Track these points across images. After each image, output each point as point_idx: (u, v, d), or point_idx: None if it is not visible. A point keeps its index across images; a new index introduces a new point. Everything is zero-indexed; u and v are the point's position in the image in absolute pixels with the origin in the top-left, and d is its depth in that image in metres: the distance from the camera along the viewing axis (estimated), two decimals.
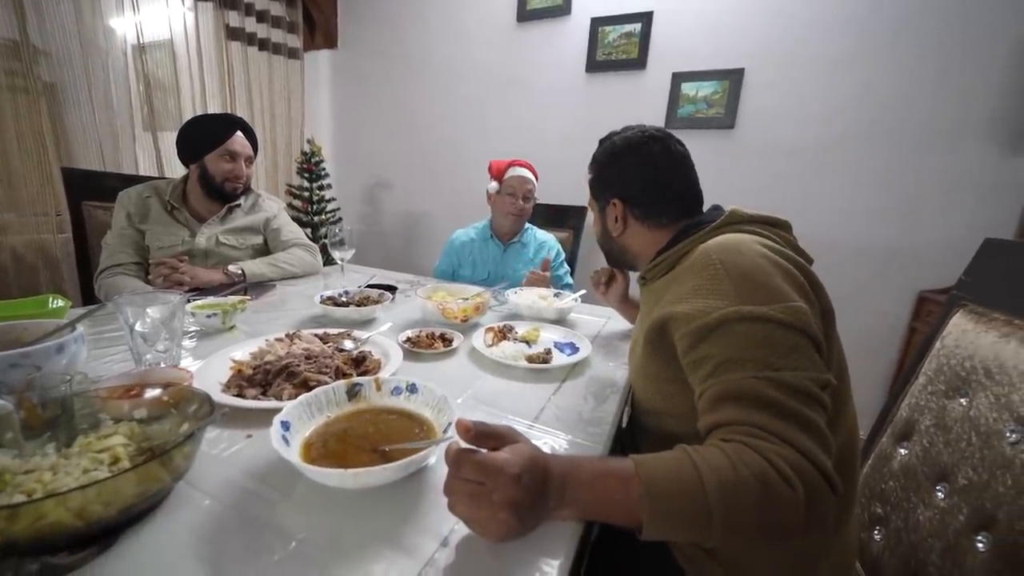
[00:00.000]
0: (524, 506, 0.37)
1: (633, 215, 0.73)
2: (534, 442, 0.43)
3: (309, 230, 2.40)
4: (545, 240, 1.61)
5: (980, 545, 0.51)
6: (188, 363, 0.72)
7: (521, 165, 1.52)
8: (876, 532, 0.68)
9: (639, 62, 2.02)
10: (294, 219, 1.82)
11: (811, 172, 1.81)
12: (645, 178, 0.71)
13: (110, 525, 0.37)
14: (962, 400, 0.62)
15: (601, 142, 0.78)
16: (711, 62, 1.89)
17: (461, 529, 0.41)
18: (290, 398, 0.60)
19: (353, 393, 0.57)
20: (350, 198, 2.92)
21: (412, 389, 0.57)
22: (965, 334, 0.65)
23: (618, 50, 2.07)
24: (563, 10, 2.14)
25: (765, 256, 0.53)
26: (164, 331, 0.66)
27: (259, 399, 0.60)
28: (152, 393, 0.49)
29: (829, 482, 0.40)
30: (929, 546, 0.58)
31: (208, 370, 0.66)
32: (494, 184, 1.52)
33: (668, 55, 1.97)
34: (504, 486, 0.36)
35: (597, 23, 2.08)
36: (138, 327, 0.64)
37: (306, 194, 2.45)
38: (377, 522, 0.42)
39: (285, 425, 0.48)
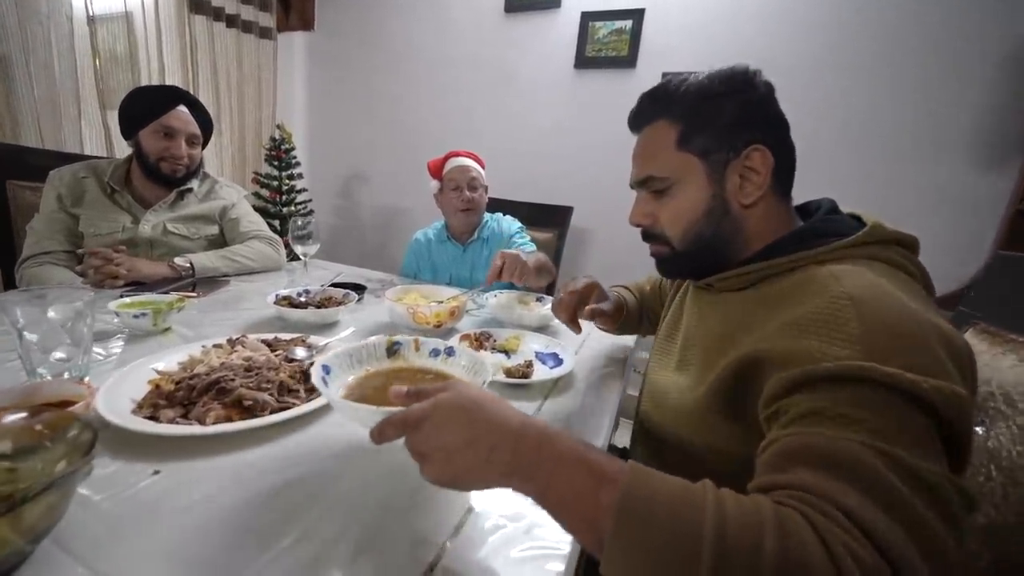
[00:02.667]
0: (443, 449, 0.34)
1: (774, 175, 0.52)
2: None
3: (277, 222, 2.25)
4: (505, 227, 1.44)
5: None
6: (103, 375, 0.61)
7: (458, 154, 1.39)
8: None
9: (629, 60, 1.96)
10: (260, 210, 1.69)
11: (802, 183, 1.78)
12: (782, 119, 0.54)
13: None
14: (978, 429, 0.56)
15: (658, 92, 0.56)
16: (703, 64, 1.82)
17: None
18: (216, 421, 0.50)
19: (392, 351, 0.58)
20: (324, 191, 2.77)
21: (449, 352, 0.58)
22: (979, 357, 0.60)
23: (608, 47, 2.00)
24: (553, 2, 2.06)
25: (916, 307, 0.37)
26: (66, 336, 0.54)
27: (176, 422, 0.49)
28: (13, 417, 0.38)
29: None
30: None
31: (122, 384, 0.55)
32: (435, 183, 1.40)
33: (659, 54, 1.91)
34: (414, 435, 0.36)
35: (588, 17, 2.00)
36: (28, 333, 0.52)
37: (274, 183, 2.29)
38: None
39: (326, 368, 0.51)
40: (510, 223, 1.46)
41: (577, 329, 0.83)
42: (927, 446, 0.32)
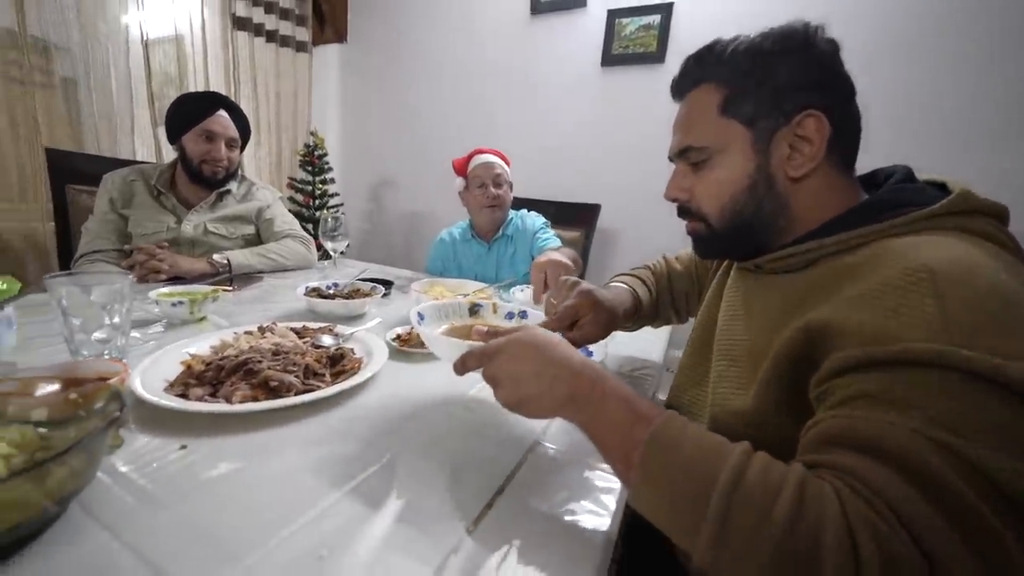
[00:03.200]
0: (514, 377, 0.40)
1: (832, 145, 0.45)
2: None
3: (311, 225, 2.32)
4: (529, 224, 1.41)
5: None
6: (140, 357, 0.62)
7: (483, 152, 1.39)
8: None
9: (658, 56, 1.91)
10: (295, 214, 1.74)
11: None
12: (846, 85, 0.47)
13: None
14: None
15: (708, 53, 0.50)
16: None
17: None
18: (242, 400, 0.50)
19: (473, 311, 0.69)
20: (354, 195, 2.84)
21: (523, 315, 0.68)
22: None
23: (636, 43, 1.96)
24: (579, 2, 2.05)
25: (1015, 283, 0.32)
26: (105, 317, 0.56)
27: (204, 400, 0.50)
28: (48, 388, 0.39)
29: None
30: None
31: (157, 365, 0.56)
32: (460, 180, 1.40)
33: (689, 48, 1.84)
34: (488, 365, 0.42)
35: (614, 15, 1.98)
36: (73, 314, 0.54)
37: (308, 188, 2.37)
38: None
39: (420, 315, 0.62)
40: (534, 219, 1.44)
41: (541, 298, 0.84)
42: (1011, 443, 0.26)
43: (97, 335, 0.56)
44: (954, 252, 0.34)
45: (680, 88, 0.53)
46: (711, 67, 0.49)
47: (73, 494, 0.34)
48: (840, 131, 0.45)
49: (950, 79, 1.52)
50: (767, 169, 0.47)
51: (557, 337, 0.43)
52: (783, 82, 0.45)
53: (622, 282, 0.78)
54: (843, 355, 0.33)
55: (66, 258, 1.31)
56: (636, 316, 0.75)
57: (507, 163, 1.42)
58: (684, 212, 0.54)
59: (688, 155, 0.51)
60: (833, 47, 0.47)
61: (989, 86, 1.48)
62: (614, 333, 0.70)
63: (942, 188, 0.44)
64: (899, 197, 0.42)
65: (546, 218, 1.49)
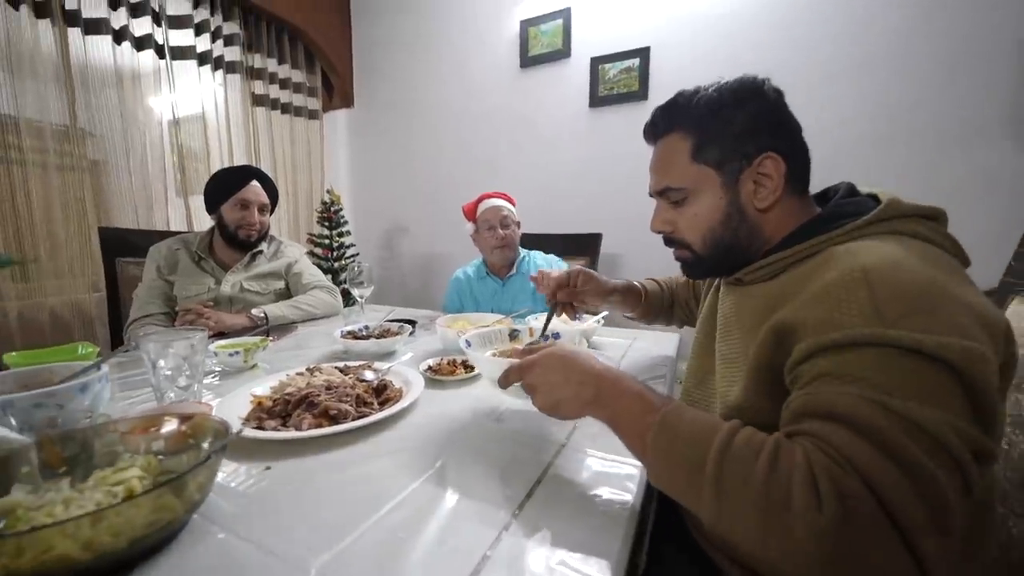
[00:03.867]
0: (548, 384, 0.50)
1: (788, 178, 0.53)
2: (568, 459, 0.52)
3: (330, 276, 2.45)
4: (541, 261, 1.54)
5: None
6: (210, 400, 0.71)
7: (489, 196, 1.51)
8: None
9: (641, 94, 2.08)
10: (316, 265, 1.87)
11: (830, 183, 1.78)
12: (793, 125, 0.55)
13: (120, 558, 0.35)
14: None
15: (672, 107, 0.58)
16: None
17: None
18: (310, 427, 0.58)
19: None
20: (368, 244, 3.00)
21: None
22: None
23: (619, 84, 2.14)
24: (563, 53, 2.25)
25: (936, 274, 0.39)
26: (186, 366, 0.66)
27: (278, 430, 0.58)
28: (170, 426, 0.48)
29: (921, 571, 0.29)
30: None
31: (227, 405, 0.65)
32: (470, 225, 1.53)
33: (669, 84, 2.02)
34: (526, 376, 0.52)
35: (596, 62, 2.17)
36: (160, 363, 0.64)
37: (326, 241, 2.53)
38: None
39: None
40: (546, 257, 1.56)
41: (571, 314, 0.90)
42: (935, 398, 0.33)
43: (180, 381, 0.65)
44: (883, 252, 0.41)
45: (653, 134, 0.62)
46: (678, 117, 0.58)
47: (198, 504, 0.42)
48: (793, 165, 0.54)
49: (914, 89, 1.65)
50: (738, 203, 0.55)
51: (583, 350, 0.53)
52: (741, 130, 0.54)
53: (629, 279, 0.96)
54: (803, 345, 0.40)
55: (116, 324, 1.43)
56: (643, 302, 0.92)
57: (513, 203, 1.54)
58: (670, 242, 0.63)
59: (668, 194, 0.59)
60: (778, 95, 0.56)
61: (954, 91, 1.60)
62: (627, 349, 0.79)
63: (876, 199, 0.52)
64: (842, 210, 0.51)
65: (552, 250, 1.61)
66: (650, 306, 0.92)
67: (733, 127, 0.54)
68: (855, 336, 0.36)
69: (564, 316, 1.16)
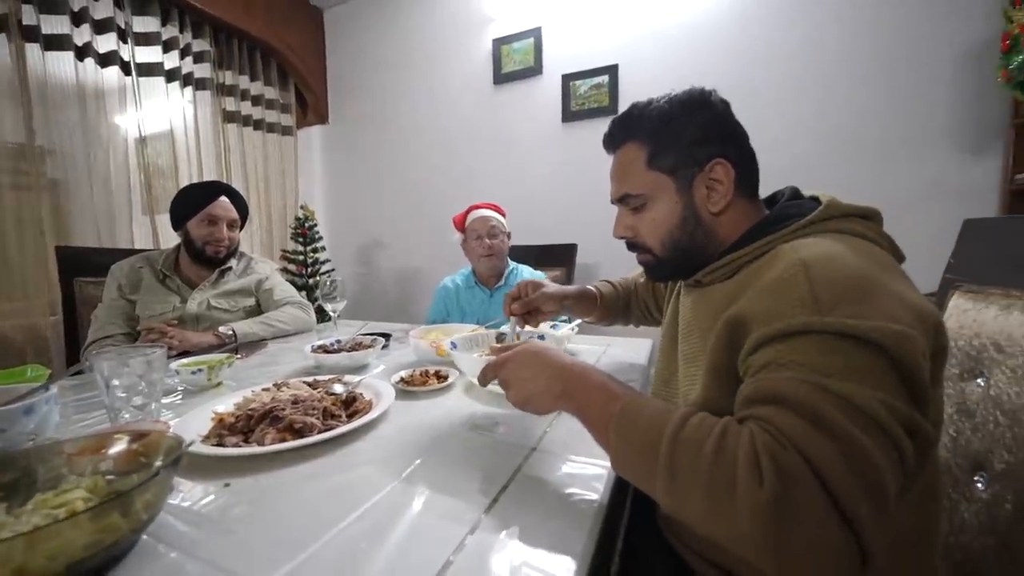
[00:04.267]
0: (520, 380, 0.52)
1: (738, 182, 0.57)
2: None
3: (305, 292, 2.41)
4: (528, 275, 1.58)
5: None
6: (169, 419, 0.69)
7: (479, 207, 1.54)
8: None
9: (611, 109, 2.15)
10: (290, 282, 1.83)
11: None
12: (739, 132, 0.59)
13: None
14: (979, 381, 0.59)
15: (627, 119, 0.61)
16: None
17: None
18: (273, 442, 0.57)
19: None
20: (345, 259, 2.97)
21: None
22: (966, 313, 0.63)
23: (590, 100, 2.21)
24: (535, 71, 2.31)
25: (869, 266, 0.42)
26: (142, 385, 0.63)
27: (239, 446, 0.56)
28: (120, 445, 0.46)
29: (859, 542, 0.30)
30: (982, 545, 0.52)
31: (187, 424, 0.63)
32: (459, 235, 1.56)
33: (637, 98, 2.08)
34: (500, 372, 0.54)
35: (568, 79, 2.24)
36: (114, 382, 0.61)
37: (300, 257, 2.49)
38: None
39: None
40: (532, 272, 1.59)
41: (533, 324, 0.93)
42: (868, 378, 0.35)
43: (136, 400, 0.62)
44: (821, 248, 0.45)
45: (611, 144, 0.65)
46: (632, 128, 0.61)
47: (146, 523, 0.40)
48: (742, 170, 0.57)
49: (865, 103, 1.76)
50: (693, 207, 0.58)
51: (552, 347, 0.55)
52: (692, 138, 0.57)
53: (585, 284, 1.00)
54: (752, 336, 0.42)
55: (74, 347, 1.36)
56: (599, 305, 0.94)
57: (503, 215, 1.57)
58: (632, 246, 0.66)
59: (627, 201, 0.62)
60: (725, 105, 0.59)
61: (902, 104, 1.71)
62: (601, 354, 0.86)
63: (819, 200, 0.55)
64: (787, 211, 0.54)
65: (529, 262, 1.64)
66: (606, 308, 0.95)
67: (684, 136, 0.57)
68: (796, 325, 0.39)
69: (539, 326, 1.18)
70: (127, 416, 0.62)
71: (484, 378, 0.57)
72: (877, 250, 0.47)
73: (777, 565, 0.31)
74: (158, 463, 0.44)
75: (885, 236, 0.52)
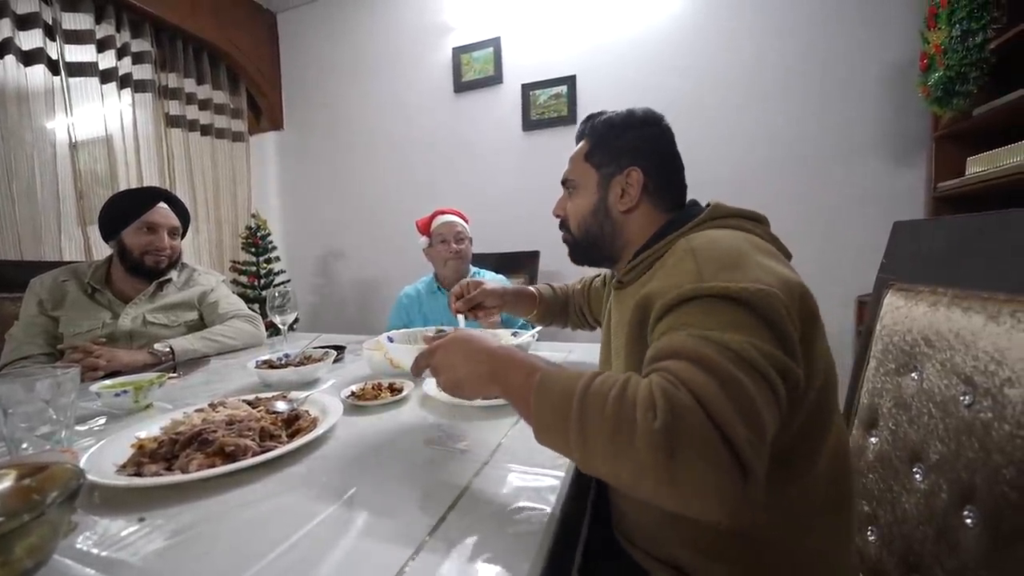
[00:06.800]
0: (450, 366, 0.54)
1: (647, 189, 0.66)
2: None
3: (257, 306, 2.28)
4: (490, 278, 1.57)
5: (969, 521, 0.48)
6: (84, 449, 0.61)
7: (444, 212, 1.54)
8: (869, 533, 0.63)
9: (570, 118, 2.19)
10: (240, 295, 1.73)
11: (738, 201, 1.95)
12: (663, 151, 0.68)
13: None
14: (913, 375, 0.62)
15: (591, 117, 0.71)
16: None
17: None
18: (199, 468, 0.52)
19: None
20: (302, 270, 2.85)
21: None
22: (899, 311, 0.67)
23: (549, 109, 2.24)
24: (495, 79, 2.32)
25: (743, 245, 0.51)
26: (49, 411, 0.56)
27: (160, 475, 0.51)
28: (7, 481, 0.40)
29: (739, 459, 0.34)
30: (922, 534, 0.54)
31: (104, 451, 0.56)
32: (424, 239, 1.54)
33: (595, 109, 2.13)
34: (431, 360, 0.56)
35: (527, 88, 2.26)
36: (12, 410, 0.54)
37: (252, 268, 2.36)
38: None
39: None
40: (494, 276, 1.57)
41: (483, 320, 1.00)
42: (740, 328, 0.41)
43: (41, 429, 0.55)
44: (706, 236, 0.54)
45: (577, 138, 0.74)
46: (589, 128, 0.71)
47: (31, 571, 0.35)
48: (656, 182, 0.66)
49: (799, 122, 1.86)
50: (606, 202, 0.68)
51: (479, 332, 0.58)
52: (622, 145, 0.67)
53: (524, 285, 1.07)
54: (655, 308, 0.49)
55: None
56: (538, 304, 1.02)
57: (467, 221, 1.56)
58: (561, 225, 0.76)
59: (566, 184, 0.73)
60: (664, 129, 0.69)
61: (832, 121, 1.83)
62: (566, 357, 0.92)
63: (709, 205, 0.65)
64: (686, 216, 0.63)
65: (492, 268, 1.62)
66: (545, 307, 1.03)
67: (618, 142, 0.67)
68: (685, 292, 0.46)
69: (499, 334, 1.16)
70: (27, 447, 0.55)
71: (417, 367, 0.59)
72: (755, 238, 0.55)
73: (672, 492, 0.35)
74: (50, 500, 0.39)
75: (772, 236, 0.60)
